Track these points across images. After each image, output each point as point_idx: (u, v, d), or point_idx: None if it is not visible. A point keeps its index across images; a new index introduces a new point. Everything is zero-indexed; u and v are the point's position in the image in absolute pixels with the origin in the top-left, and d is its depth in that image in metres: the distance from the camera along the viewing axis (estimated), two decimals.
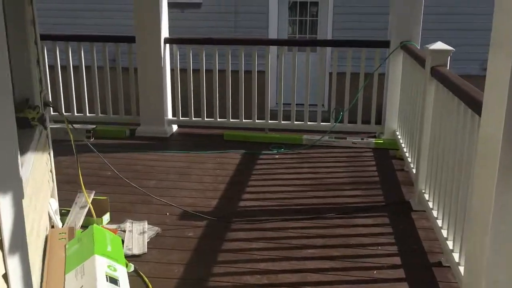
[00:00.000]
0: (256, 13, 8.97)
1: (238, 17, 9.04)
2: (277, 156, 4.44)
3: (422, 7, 4.39)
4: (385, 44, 4.63)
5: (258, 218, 3.24)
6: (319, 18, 9.84)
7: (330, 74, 5.31)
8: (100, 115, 5.10)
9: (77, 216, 3.04)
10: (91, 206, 3.10)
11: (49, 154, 3.18)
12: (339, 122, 4.79)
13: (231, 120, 5.00)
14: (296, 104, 4.88)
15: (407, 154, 4.02)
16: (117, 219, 3.19)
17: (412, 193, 3.53)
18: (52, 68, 4.96)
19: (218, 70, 4.87)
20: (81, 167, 3.59)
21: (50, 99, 4.54)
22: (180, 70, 4.92)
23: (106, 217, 3.18)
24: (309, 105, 4.86)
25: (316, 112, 4.88)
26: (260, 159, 4.38)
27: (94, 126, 4.87)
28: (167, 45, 4.84)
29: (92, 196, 3.15)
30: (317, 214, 3.29)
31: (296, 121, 4.92)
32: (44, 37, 5.00)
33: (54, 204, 3.02)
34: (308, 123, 4.91)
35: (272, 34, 8.95)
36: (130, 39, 4.80)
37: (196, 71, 4.92)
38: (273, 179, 4.00)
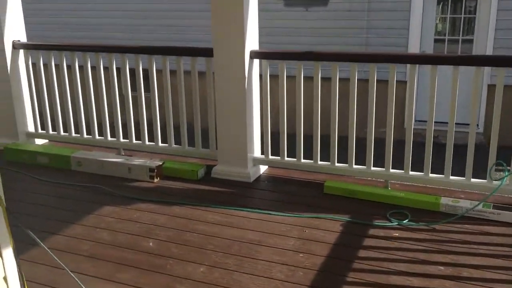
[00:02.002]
0: (393, 10, 7.27)
1: (371, 15, 7.45)
2: (396, 234, 2.94)
3: None
4: None
5: None
6: (477, 15, 7.81)
7: (489, 87, 3.58)
8: (173, 145, 4.06)
9: None
10: None
11: None
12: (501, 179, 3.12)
13: (336, 164, 3.60)
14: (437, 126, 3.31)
15: None
16: None
17: None
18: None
19: (321, 94, 3.51)
20: (122, 228, 2.63)
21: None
22: (272, 93, 3.66)
23: None
24: (456, 123, 3.23)
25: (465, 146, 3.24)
26: (370, 235, 2.92)
27: (160, 163, 3.83)
28: (254, 60, 3.60)
29: None
30: None
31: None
32: (112, 49, 4.15)
33: None
34: (451, 177, 3.31)
35: (414, 39, 7.19)
36: (208, 52, 3.65)
37: (291, 94, 3.62)
38: (385, 284, 2.52)
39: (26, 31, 4.44)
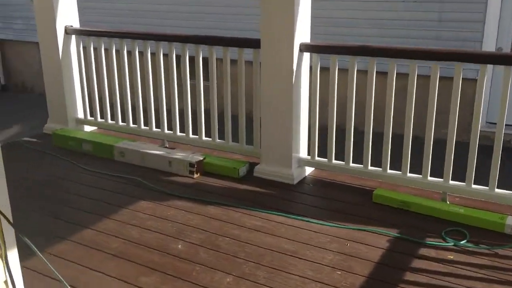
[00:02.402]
0: (468, 2, 6.68)
1: (443, 7, 6.89)
2: (451, 257, 2.60)
3: None
4: None
5: None
6: None
7: None
8: (217, 140, 3.88)
9: None
10: None
11: None
12: None
13: (388, 171, 3.28)
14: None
15: None
16: None
17: None
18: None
19: (375, 91, 3.20)
20: (154, 226, 2.59)
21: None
22: (321, 87, 3.39)
23: None
24: None
25: None
26: (420, 256, 2.60)
27: (201, 158, 3.67)
28: (304, 53, 3.34)
29: None
30: None
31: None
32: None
33: None
34: None
35: (491, 34, 6.56)
36: (256, 43, 3.42)
37: (341, 88, 3.33)
38: None
39: (93, 17, 4.40)
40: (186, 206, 3.17)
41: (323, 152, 3.50)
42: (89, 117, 4.49)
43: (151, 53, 3.97)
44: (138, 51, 4.02)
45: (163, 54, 3.90)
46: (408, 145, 3.17)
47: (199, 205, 3.18)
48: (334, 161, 3.46)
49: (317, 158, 3.51)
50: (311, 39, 3.39)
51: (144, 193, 3.36)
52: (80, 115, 4.51)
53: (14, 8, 11.00)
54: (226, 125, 3.79)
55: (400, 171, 3.23)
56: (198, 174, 3.62)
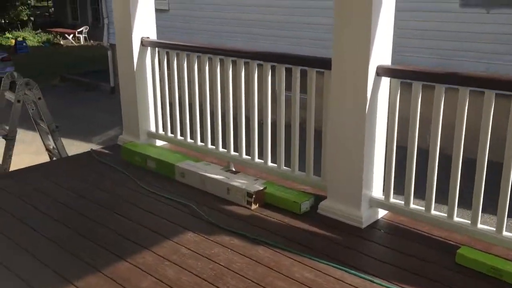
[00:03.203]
0: None
1: None
2: None
3: None
4: None
5: None
6: None
7: None
8: (283, 168, 3.51)
9: None
10: None
11: None
12: None
13: (479, 226, 2.67)
14: None
15: None
16: None
17: None
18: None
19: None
20: (193, 266, 2.16)
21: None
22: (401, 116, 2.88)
23: None
24: None
25: None
26: None
27: (261, 188, 3.32)
28: (383, 78, 2.84)
29: None
30: None
31: None
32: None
33: None
34: None
35: None
36: (326, 64, 3.00)
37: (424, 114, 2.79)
38: None
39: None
40: (234, 243, 2.84)
41: (400, 188, 2.97)
42: (160, 131, 4.36)
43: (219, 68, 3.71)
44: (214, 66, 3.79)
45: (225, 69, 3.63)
46: (506, 194, 2.55)
47: (248, 243, 2.84)
48: (412, 206, 2.92)
49: (392, 200, 3.00)
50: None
51: (195, 223, 3.10)
52: (152, 128, 4.40)
53: None
54: (293, 151, 3.40)
55: (495, 227, 2.61)
56: (257, 205, 3.28)
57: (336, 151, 3.05)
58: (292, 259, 2.68)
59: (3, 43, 25.67)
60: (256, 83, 3.49)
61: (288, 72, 3.29)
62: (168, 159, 3.87)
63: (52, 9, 32.30)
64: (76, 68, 18.19)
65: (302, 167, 3.41)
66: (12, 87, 4.45)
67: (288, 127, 3.38)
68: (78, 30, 26.01)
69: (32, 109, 4.56)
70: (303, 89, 3.18)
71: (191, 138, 4.11)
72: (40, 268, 2.63)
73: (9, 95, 4.41)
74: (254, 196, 3.25)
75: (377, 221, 3.05)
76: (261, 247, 2.80)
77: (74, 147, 9.91)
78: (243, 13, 10.73)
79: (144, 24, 4.19)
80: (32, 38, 27.47)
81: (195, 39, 11.77)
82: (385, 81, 2.86)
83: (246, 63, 3.54)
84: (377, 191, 3.06)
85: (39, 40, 27.27)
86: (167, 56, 4.12)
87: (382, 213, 3.10)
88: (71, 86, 16.16)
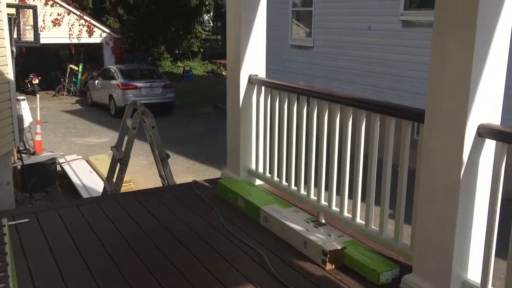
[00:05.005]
0: None
1: None
2: None
3: None
4: None
5: None
6: None
7: None
8: (371, 227, 3.13)
9: None
10: None
11: None
12: None
13: None
14: None
15: None
16: None
17: None
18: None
19: None
20: None
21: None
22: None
23: None
24: None
25: None
26: None
27: (340, 247, 2.99)
28: (487, 140, 2.36)
29: None
30: None
31: None
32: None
33: None
34: None
35: None
36: (418, 116, 2.61)
37: None
38: None
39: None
40: None
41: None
42: (260, 170, 4.27)
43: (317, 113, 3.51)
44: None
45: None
46: None
47: None
48: None
49: (491, 286, 2.45)
50: None
51: (259, 274, 2.90)
52: (253, 166, 4.33)
53: (272, 51, 11.98)
54: (383, 209, 3.02)
55: None
56: (333, 266, 2.95)
57: (427, 218, 2.61)
58: None
59: (175, 71, 28.50)
60: (349, 129, 3.21)
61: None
62: (257, 200, 3.75)
63: (221, 42, 35.07)
64: None
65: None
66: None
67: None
68: None
69: (150, 137, 4.84)
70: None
71: (286, 181, 3.94)
72: None
73: (129, 122, 4.75)
74: (329, 256, 2.94)
75: None
76: None
77: (207, 173, 10.42)
78: (390, 53, 10.33)
79: (253, 62, 4.18)
80: (199, 67, 30.06)
81: (337, 77, 11.66)
82: (490, 144, 2.37)
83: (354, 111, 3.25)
84: (474, 273, 2.53)
85: (205, 70, 29.72)
86: (272, 95, 4.04)
87: None
88: (220, 114, 17.17)
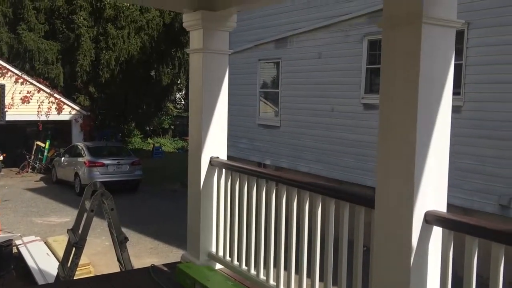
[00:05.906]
0: None
1: None
2: None
3: None
4: None
5: None
6: None
7: None
8: None
9: None
10: None
11: None
12: None
13: None
14: None
15: None
16: None
17: None
18: None
19: None
20: None
21: None
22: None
23: None
24: None
25: None
26: None
27: None
28: (434, 228, 2.41)
29: None
30: None
31: None
32: None
33: None
34: None
35: None
36: (368, 201, 2.66)
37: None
38: None
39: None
40: None
41: None
42: (220, 254, 4.19)
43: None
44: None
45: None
46: None
47: None
48: None
49: None
50: None
51: None
52: (213, 249, 4.25)
53: (240, 129, 12.22)
54: None
55: None
56: None
57: None
58: None
59: (144, 147, 28.50)
60: (306, 213, 3.22)
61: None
62: (215, 287, 3.65)
63: None
64: None
65: None
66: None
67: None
68: None
69: (109, 219, 4.74)
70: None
71: (246, 265, 3.87)
72: None
73: (88, 204, 4.66)
74: None
75: None
76: None
77: (172, 254, 10.15)
78: (353, 134, 10.65)
79: (215, 144, 4.23)
80: (169, 144, 30.18)
81: (303, 156, 11.86)
82: (437, 231, 2.42)
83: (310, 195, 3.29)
84: None
85: (175, 147, 29.82)
86: (233, 177, 4.07)
87: None
88: None
